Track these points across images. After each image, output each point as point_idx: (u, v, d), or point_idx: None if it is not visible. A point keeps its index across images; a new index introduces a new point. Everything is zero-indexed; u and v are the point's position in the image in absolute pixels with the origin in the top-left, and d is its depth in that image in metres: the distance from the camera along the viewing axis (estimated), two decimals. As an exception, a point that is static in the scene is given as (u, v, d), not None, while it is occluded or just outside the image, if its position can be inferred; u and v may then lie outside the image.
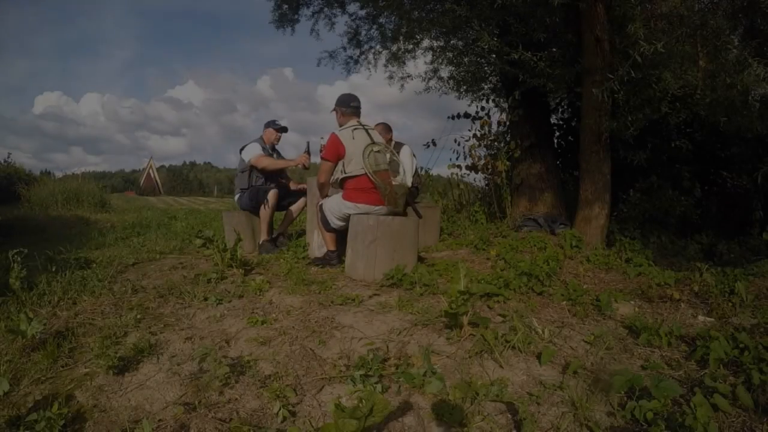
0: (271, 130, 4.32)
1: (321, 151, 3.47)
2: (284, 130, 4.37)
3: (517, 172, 4.78)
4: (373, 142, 3.26)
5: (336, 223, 3.30)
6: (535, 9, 3.67)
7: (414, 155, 4.47)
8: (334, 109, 3.46)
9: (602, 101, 3.52)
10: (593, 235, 3.75)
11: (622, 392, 1.55)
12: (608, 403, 1.53)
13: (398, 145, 4.47)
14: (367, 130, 3.31)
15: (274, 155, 4.36)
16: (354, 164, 3.19)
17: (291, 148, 4.34)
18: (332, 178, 3.33)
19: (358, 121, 3.36)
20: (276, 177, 4.40)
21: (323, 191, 3.43)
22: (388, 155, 3.32)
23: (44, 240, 5.02)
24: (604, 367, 1.81)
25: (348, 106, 3.39)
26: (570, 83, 4.13)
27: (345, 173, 3.22)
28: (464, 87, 5.58)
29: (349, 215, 3.21)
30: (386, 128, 4.60)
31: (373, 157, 3.19)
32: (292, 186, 4.50)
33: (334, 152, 3.22)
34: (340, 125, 3.40)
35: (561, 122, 5.87)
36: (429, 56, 5.58)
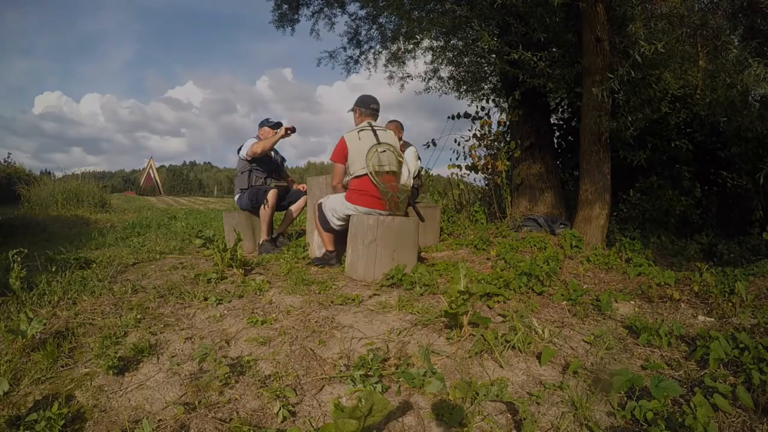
0: (267, 128, 4.33)
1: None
2: (279, 125, 4.38)
3: (517, 172, 4.78)
4: (379, 143, 3.23)
5: (336, 223, 3.30)
6: (535, 9, 3.67)
7: (419, 157, 4.49)
8: (353, 109, 3.45)
9: (602, 101, 3.52)
10: (593, 235, 3.75)
11: (622, 392, 1.55)
12: (608, 403, 1.53)
13: (405, 145, 4.48)
14: (375, 131, 3.28)
15: (272, 153, 4.36)
16: (356, 165, 3.19)
17: (290, 147, 4.37)
18: (344, 180, 3.34)
19: (369, 123, 3.34)
20: (277, 174, 4.40)
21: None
22: (395, 156, 3.29)
23: (44, 240, 5.02)
24: (604, 367, 1.81)
25: (367, 107, 3.38)
26: (570, 83, 4.14)
27: (349, 174, 3.24)
28: (464, 87, 5.60)
29: (349, 216, 3.21)
30: (398, 126, 4.61)
31: (377, 157, 3.17)
32: (293, 186, 4.50)
33: (340, 154, 3.25)
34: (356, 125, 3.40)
35: (561, 122, 5.87)
36: (429, 56, 5.62)
